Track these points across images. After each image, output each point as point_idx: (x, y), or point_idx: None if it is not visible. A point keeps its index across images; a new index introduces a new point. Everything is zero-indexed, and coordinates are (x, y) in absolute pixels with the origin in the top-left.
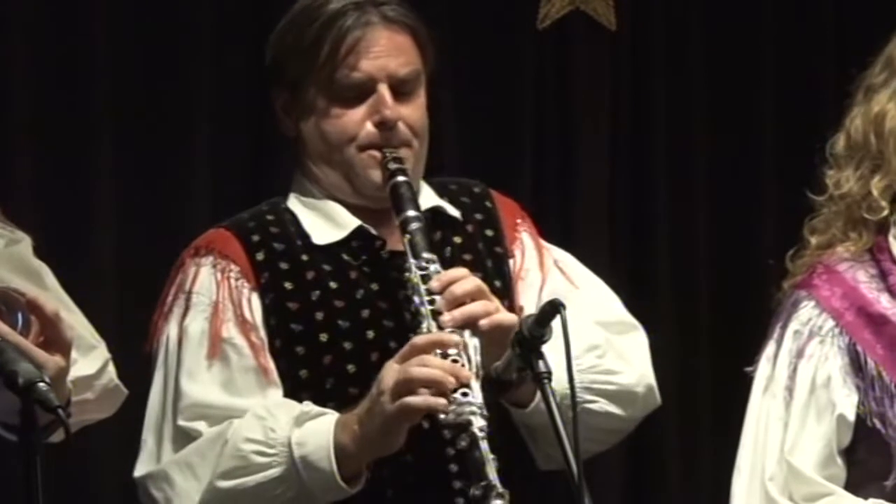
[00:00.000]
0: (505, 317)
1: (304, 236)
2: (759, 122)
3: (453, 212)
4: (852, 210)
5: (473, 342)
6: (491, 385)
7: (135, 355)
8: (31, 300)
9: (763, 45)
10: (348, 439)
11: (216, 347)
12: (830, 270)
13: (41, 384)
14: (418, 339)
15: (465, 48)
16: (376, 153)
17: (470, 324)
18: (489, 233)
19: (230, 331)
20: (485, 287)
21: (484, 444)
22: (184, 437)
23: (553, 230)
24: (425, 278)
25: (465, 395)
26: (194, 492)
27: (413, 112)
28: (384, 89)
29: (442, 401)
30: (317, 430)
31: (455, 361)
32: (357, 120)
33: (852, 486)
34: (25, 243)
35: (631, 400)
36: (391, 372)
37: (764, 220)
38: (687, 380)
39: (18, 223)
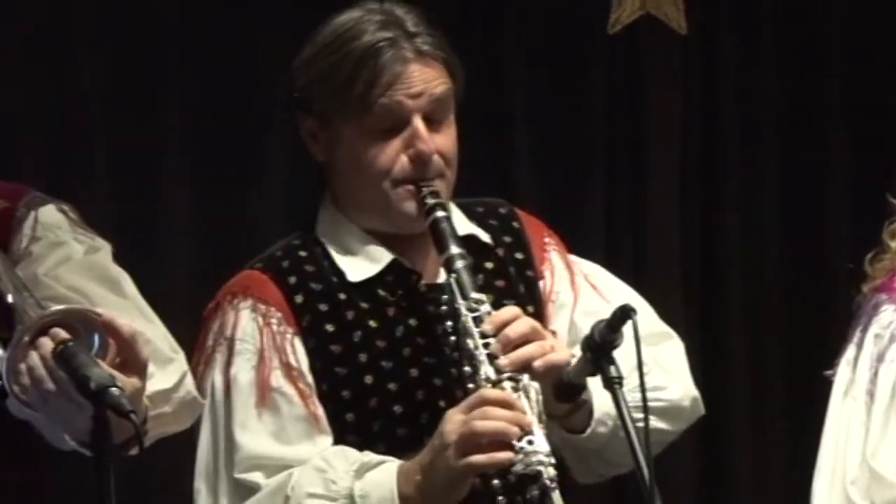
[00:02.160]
0: (559, 356)
1: (339, 273)
2: (831, 123)
3: (485, 237)
4: None
5: (534, 386)
6: (563, 389)
7: None
8: (107, 321)
9: (834, 46)
10: (412, 489)
11: (266, 397)
12: None
13: (113, 389)
14: (489, 393)
15: (537, 54)
16: (411, 187)
17: (527, 366)
18: (519, 256)
19: (278, 379)
20: (538, 326)
21: (556, 495)
22: (241, 490)
23: (624, 235)
24: (477, 321)
25: (530, 442)
26: None
27: (446, 141)
28: (418, 121)
29: (507, 456)
30: (379, 482)
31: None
32: (391, 154)
33: None
34: (105, 251)
35: (678, 414)
36: (454, 424)
37: (836, 222)
38: (759, 383)
39: (93, 227)
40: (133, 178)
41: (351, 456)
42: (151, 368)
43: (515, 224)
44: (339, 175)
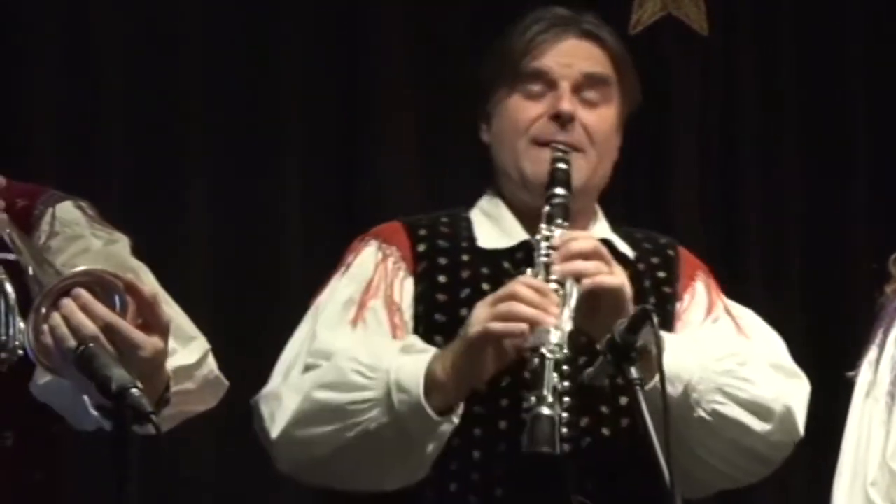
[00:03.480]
0: (611, 279)
1: (472, 239)
2: (850, 125)
3: (624, 249)
4: None
5: (573, 291)
6: (583, 390)
7: (231, 350)
8: (128, 282)
9: (854, 46)
10: (439, 368)
11: (359, 315)
12: None
13: (134, 390)
14: (523, 279)
15: None
16: (546, 150)
17: (577, 279)
18: (661, 274)
19: (376, 306)
20: (603, 250)
21: (549, 363)
22: (305, 371)
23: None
24: (548, 237)
25: (547, 332)
26: (294, 403)
27: (596, 121)
28: (565, 85)
29: (520, 326)
30: (416, 359)
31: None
32: (533, 114)
33: None
34: (123, 243)
35: (766, 413)
36: (483, 304)
37: (858, 222)
38: None
39: (113, 223)
40: (152, 178)
41: (407, 340)
42: (174, 344)
43: (671, 252)
44: (493, 146)
